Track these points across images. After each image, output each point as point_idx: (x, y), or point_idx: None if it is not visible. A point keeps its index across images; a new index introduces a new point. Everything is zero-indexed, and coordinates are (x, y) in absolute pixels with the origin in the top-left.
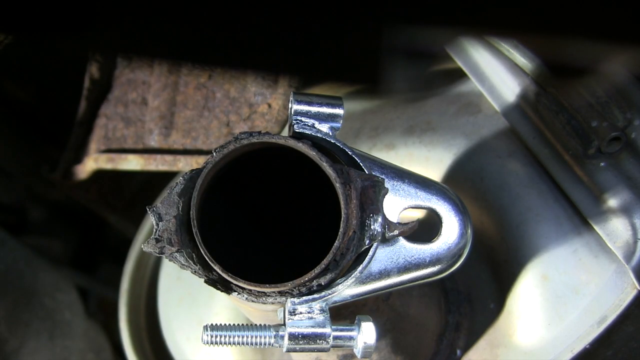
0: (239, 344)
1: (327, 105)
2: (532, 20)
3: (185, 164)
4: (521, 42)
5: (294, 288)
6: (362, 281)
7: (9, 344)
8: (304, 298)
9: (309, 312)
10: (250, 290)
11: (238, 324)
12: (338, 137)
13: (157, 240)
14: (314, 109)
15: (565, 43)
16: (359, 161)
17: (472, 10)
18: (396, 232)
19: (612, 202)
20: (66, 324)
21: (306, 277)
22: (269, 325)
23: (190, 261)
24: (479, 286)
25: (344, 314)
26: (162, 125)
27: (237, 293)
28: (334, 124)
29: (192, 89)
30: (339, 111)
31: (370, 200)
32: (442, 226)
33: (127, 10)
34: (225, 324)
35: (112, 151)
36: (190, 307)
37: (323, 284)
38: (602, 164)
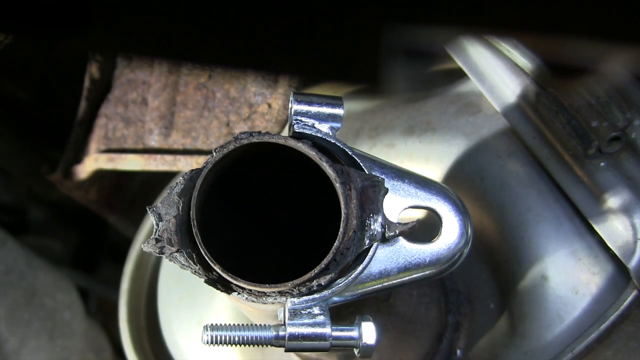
0: (239, 344)
1: (327, 105)
2: (532, 20)
3: (185, 164)
4: (521, 42)
5: (294, 288)
6: (362, 281)
7: (9, 343)
8: (304, 298)
9: (309, 312)
10: (250, 290)
11: (238, 324)
12: (338, 137)
13: (157, 240)
14: (314, 109)
15: (565, 43)
16: (359, 161)
17: (472, 10)
18: (396, 232)
19: (612, 202)
20: (66, 324)
21: (306, 277)
22: (269, 325)
23: (190, 261)
24: (479, 286)
25: (344, 314)
26: (162, 125)
27: (237, 293)
28: (334, 124)
29: (192, 89)
30: (339, 111)
31: (370, 200)
32: (442, 226)
33: (127, 10)
34: (225, 324)
35: (112, 151)
36: (190, 307)
37: (323, 284)
38: (602, 164)
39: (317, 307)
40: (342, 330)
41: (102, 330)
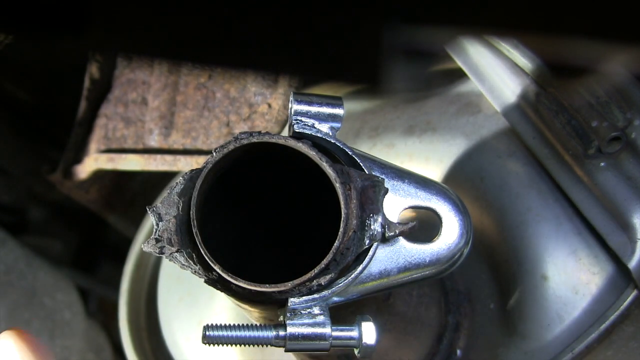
0: (238, 344)
1: (327, 105)
2: (532, 20)
3: (185, 164)
4: (521, 42)
5: (294, 288)
6: (362, 281)
7: None
8: (304, 298)
9: (309, 312)
10: (250, 290)
11: (238, 324)
12: (338, 137)
13: (157, 240)
14: (314, 109)
15: (565, 43)
16: (359, 161)
17: (472, 10)
18: (396, 232)
19: (612, 202)
20: (66, 324)
21: (306, 277)
22: (269, 325)
23: (190, 261)
24: (479, 286)
25: (344, 314)
26: (162, 125)
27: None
28: (334, 124)
29: (192, 89)
30: (339, 111)
31: (370, 200)
32: (442, 226)
33: (127, 10)
34: (225, 324)
35: (112, 151)
36: (190, 307)
37: (323, 284)
38: (602, 164)
39: (317, 307)
40: (342, 330)
41: (102, 330)
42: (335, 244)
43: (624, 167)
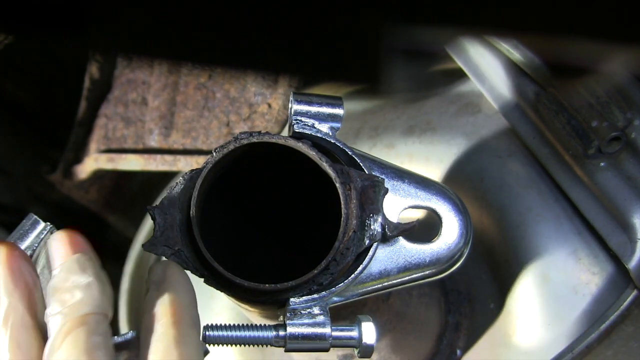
0: (239, 344)
1: (327, 105)
2: (532, 20)
3: (185, 164)
4: (521, 42)
5: (294, 288)
6: (362, 281)
7: None
8: (304, 298)
9: (309, 312)
10: (251, 289)
11: (238, 324)
12: (338, 137)
13: (157, 240)
14: (314, 109)
15: (565, 43)
16: (359, 161)
17: (472, 10)
18: (396, 232)
19: (612, 202)
20: None
21: (306, 277)
22: (269, 325)
23: (190, 261)
24: (479, 286)
25: (344, 314)
26: (162, 125)
27: None
28: (334, 124)
29: (192, 89)
30: (339, 111)
31: (370, 200)
32: (442, 226)
33: (127, 10)
34: (225, 324)
35: (112, 151)
36: None
37: (323, 284)
38: (602, 164)
39: (317, 307)
40: (342, 330)
41: None
42: (335, 244)
43: (624, 167)
